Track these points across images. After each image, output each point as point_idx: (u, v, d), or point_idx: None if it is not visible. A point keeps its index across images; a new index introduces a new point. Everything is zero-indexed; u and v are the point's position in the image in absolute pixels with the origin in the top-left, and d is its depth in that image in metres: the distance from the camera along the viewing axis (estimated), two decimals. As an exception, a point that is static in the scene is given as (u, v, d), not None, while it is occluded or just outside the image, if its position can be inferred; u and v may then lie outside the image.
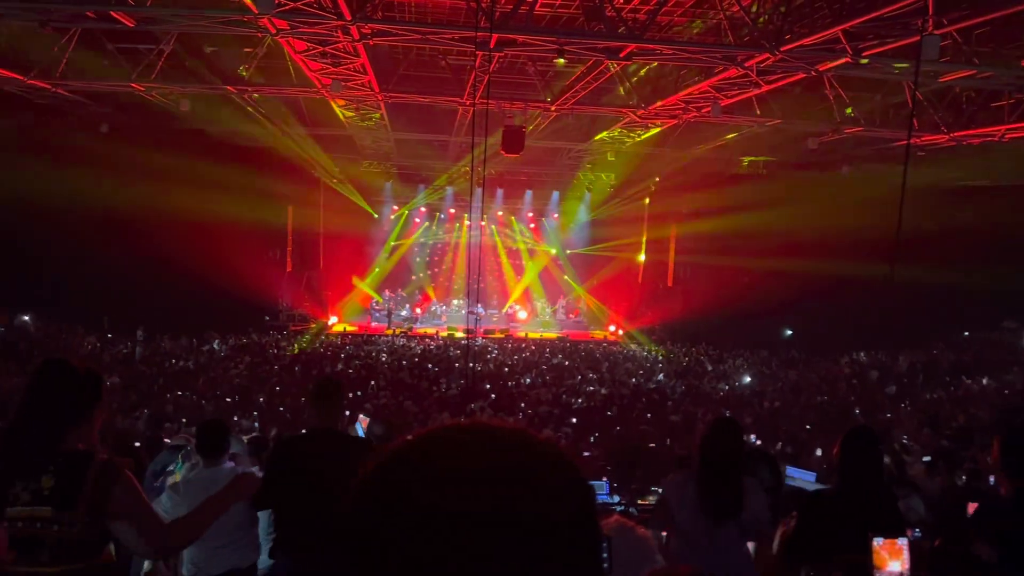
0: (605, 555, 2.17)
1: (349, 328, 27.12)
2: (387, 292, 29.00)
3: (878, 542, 2.52)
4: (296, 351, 21.57)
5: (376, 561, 0.71)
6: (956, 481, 8.14)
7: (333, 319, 27.44)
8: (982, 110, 15.41)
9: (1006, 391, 18.04)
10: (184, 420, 11.09)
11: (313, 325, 26.27)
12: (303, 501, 3.99)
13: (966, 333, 23.97)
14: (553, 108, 16.47)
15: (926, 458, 10.21)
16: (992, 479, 7.50)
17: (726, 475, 3.74)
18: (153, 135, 19.26)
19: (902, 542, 2.51)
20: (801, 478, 7.29)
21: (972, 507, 4.35)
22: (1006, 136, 15.48)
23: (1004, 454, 3.40)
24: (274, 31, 11.76)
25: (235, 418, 11.75)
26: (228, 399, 14.52)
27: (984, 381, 19.08)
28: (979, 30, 10.92)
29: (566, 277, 30.95)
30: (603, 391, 17.36)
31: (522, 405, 14.71)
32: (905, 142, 12.45)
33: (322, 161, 23.94)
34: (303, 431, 5.26)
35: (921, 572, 3.10)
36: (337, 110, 18.32)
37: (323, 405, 4.29)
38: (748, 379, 20.22)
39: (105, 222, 19.52)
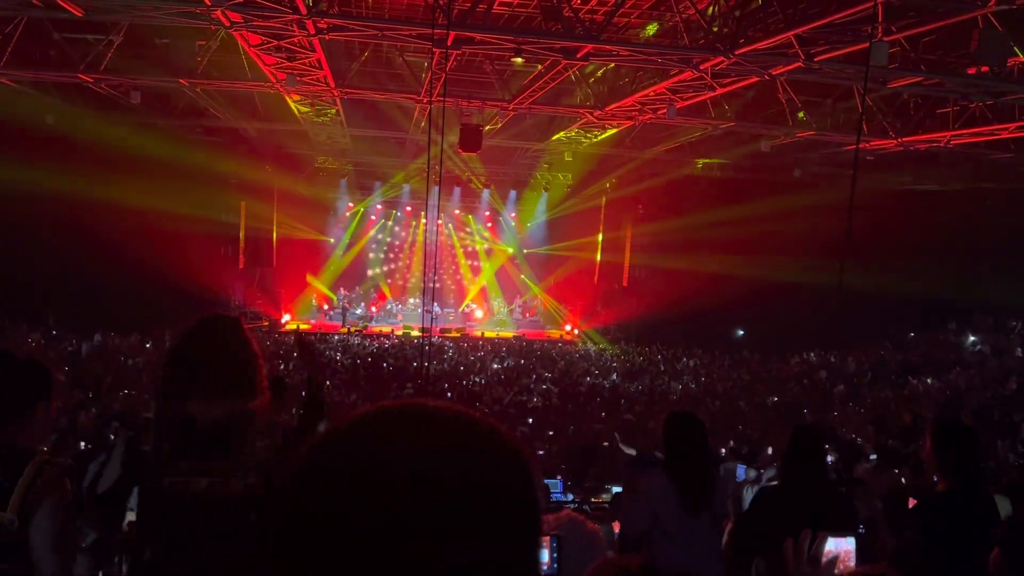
0: (555, 553, 2.17)
1: (303, 326, 26.78)
2: (342, 290, 28.71)
3: (829, 544, 2.56)
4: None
5: (312, 542, 0.69)
6: (901, 478, 8.34)
7: (286, 317, 27.09)
8: (929, 116, 15.82)
9: (948, 391, 18.54)
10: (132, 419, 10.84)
11: (265, 323, 25.90)
12: None
13: (912, 334, 24.57)
14: (511, 107, 16.47)
15: (872, 456, 10.45)
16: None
17: (698, 466, 3.81)
18: (102, 127, 18.78)
19: (849, 542, 2.57)
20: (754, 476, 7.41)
21: (912, 503, 4.46)
22: (951, 142, 15.92)
23: (936, 450, 3.51)
24: (228, 24, 11.55)
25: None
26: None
27: (929, 381, 19.58)
28: (926, 38, 11.21)
29: (523, 276, 31.00)
30: (557, 390, 17.43)
31: (477, 404, 14.70)
32: (854, 146, 12.71)
33: (276, 156, 23.61)
34: None
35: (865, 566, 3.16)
36: (292, 105, 18.08)
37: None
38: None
39: (51, 215, 18.99)
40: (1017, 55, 10.61)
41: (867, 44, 9.81)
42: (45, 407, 2.66)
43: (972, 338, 23.15)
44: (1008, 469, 10.54)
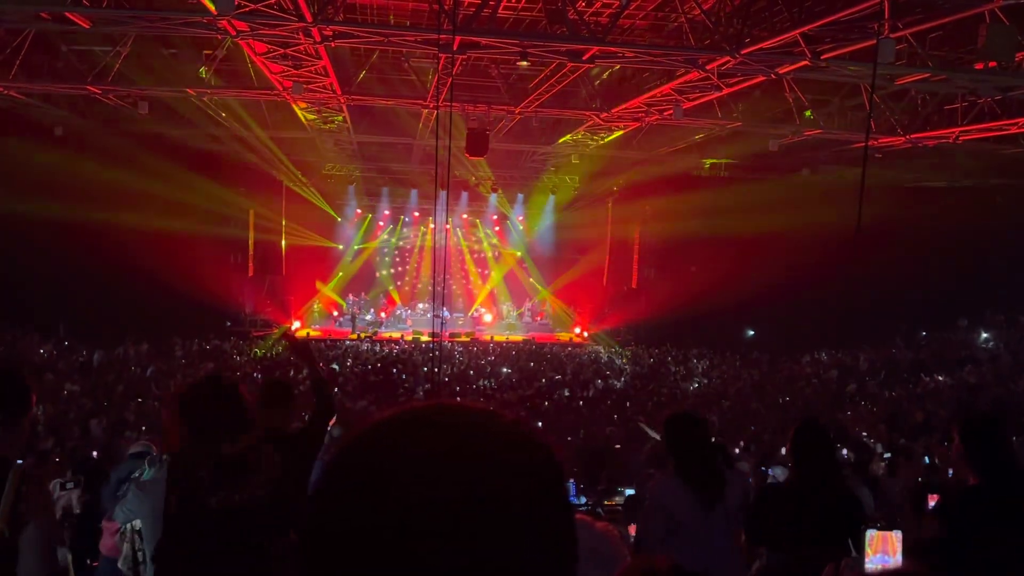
0: None
1: (312, 333, 26.84)
2: (351, 296, 28.77)
3: (871, 534, 2.56)
4: (259, 355, 21.31)
5: (342, 550, 0.68)
6: (916, 476, 8.28)
7: (296, 323, 27.15)
8: (936, 113, 15.76)
9: (960, 388, 18.41)
10: (144, 427, 10.87)
11: (276, 330, 25.96)
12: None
13: (924, 332, 24.44)
14: (517, 111, 16.49)
15: (887, 455, 10.39)
16: (951, 472, 7.65)
17: (706, 462, 3.81)
18: (111, 138, 18.90)
19: (897, 534, 2.56)
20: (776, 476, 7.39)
21: (933, 499, 4.42)
22: (959, 138, 15.84)
23: (965, 444, 3.45)
24: (234, 33, 11.61)
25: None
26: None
27: (941, 378, 19.46)
28: (933, 34, 11.16)
29: (531, 280, 30.98)
30: (567, 393, 17.40)
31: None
32: (863, 144, 12.66)
33: (284, 164, 23.71)
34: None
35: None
36: (299, 113, 18.15)
37: (272, 407, 4.23)
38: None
39: (62, 227, 19.10)
40: (1025, 49, 10.56)
41: (874, 41, 9.77)
42: (28, 420, 2.71)
43: (984, 335, 23.00)
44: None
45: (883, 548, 2.51)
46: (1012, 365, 19.57)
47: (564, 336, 28.86)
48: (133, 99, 16.67)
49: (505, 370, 21.26)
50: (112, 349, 20.15)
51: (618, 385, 19.48)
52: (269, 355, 21.68)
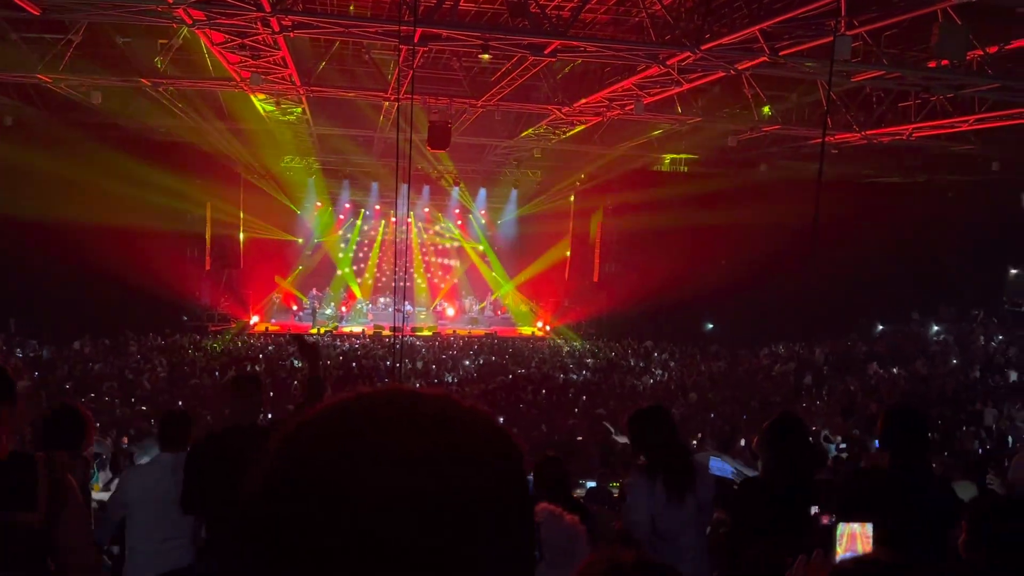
0: (537, 542, 2.15)
1: (271, 327, 26.54)
2: (312, 290, 28.48)
3: (842, 527, 2.60)
4: (217, 351, 20.99)
5: (284, 548, 0.63)
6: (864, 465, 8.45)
7: (255, 318, 26.80)
8: (891, 110, 16.05)
9: (913, 380, 18.85)
10: (98, 425, 10.63)
11: (234, 325, 25.60)
12: (227, 500, 3.84)
13: (879, 326, 24.95)
14: (479, 104, 16.43)
15: (842, 445, 10.61)
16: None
17: (675, 455, 3.82)
18: (62, 129, 18.44)
19: (868, 527, 2.59)
20: (723, 468, 7.46)
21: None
22: (913, 135, 16.17)
23: (885, 429, 3.59)
24: (190, 22, 11.37)
25: (151, 421, 11.34)
26: (144, 406, 13.98)
27: (895, 371, 19.90)
28: (887, 32, 11.34)
29: (494, 274, 30.98)
30: (530, 387, 17.44)
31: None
32: (820, 140, 12.86)
33: (242, 156, 23.36)
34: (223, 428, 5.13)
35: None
36: (257, 104, 17.88)
37: (241, 401, 4.18)
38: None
39: (11, 220, 18.58)
40: (976, 48, 10.79)
41: (831, 38, 9.92)
42: (10, 410, 2.66)
43: (936, 328, 23.57)
44: (972, 455, 10.73)
45: (851, 545, 2.55)
46: (962, 357, 20.09)
47: (526, 330, 28.93)
48: (86, 89, 16.25)
49: (468, 364, 21.25)
50: (63, 345, 19.70)
51: (580, 379, 19.58)
52: (228, 350, 21.38)
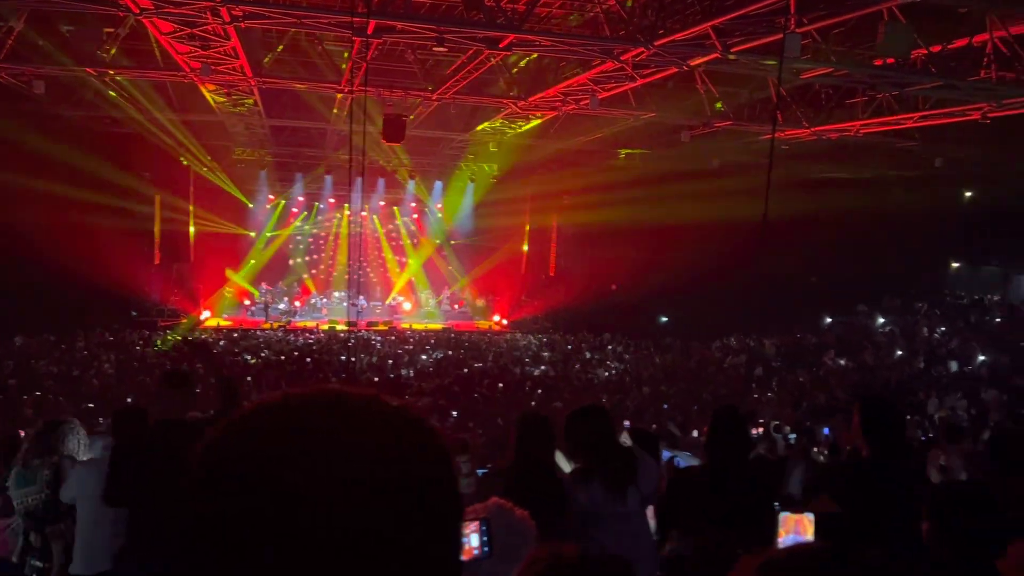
0: (485, 537, 2.16)
1: (223, 323, 26.12)
2: (264, 285, 28.08)
3: (783, 516, 2.66)
4: (167, 347, 20.60)
5: (215, 544, 0.64)
6: (818, 456, 8.65)
7: (205, 313, 26.35)
8: (839, 107, 16.39)
9: (860, 371, 19.30)
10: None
11: (184, 320, 25.14)
12: (152, 495, 3.75)
13: (827, 318, 25.48)
14: (434, 97, 16.36)
15: (792, 436, 10.81)
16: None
17: (611, 452, 3.83)
18: (3, 120, 17.85)
19: (809, 516, 2.65)
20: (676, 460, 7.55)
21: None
22: (860, 131, 16.53)
23: (863, 420, 3.65)
24: (137, 11, 11.10)
25: (100, 419, 11.09)
26: (91, 403, 13.66)
27: (842, 362, 20.34)
28: (835, 30, 11.59)
29: (450, 268, 30.90)
30: (487, 381, 17.45)
31: (407, 397, 14.60)
32: (770, 136, 13.08)
33: (192, 149, 22.91)
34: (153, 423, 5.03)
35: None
36: (207, 95, 17.54)
37: (171, 396, 4.11)
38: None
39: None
40: (920, 47, 11.07)
41: (780, 36, 10.09)
42: None
43: (881, 320, 24.16)
44: (915, 444, 11.04)
45: (795, 529, 2.61)
46: (907, 348, 20.62)
47: (483, 324, 28.93)
48: (28, 78, 15.75)
49: (424, 359, 21.17)
50: (5, 340, 19.13)
51: (537, 372, 19.65)
52: (178, 345, 20.98)
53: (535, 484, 3.85)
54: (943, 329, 21.84)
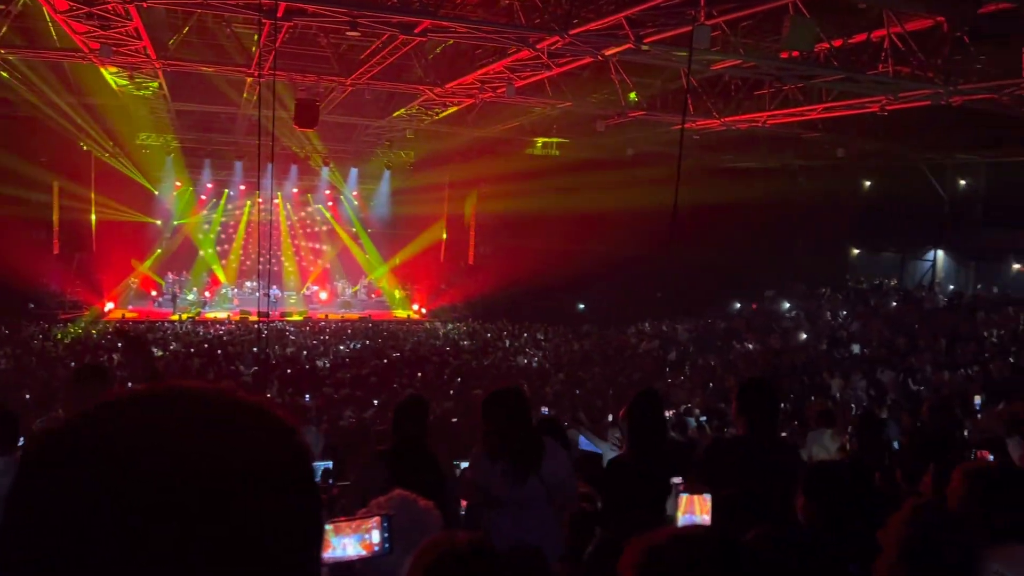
0: (387, 533, 2.15)
1: (128, 314, 25.15)
2: (171, 275, 27.11)
3: (682, 497, 2.74)
4: (68, 339, 19.70)
5: (48, 544, 0.60)
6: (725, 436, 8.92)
7: (110, 305, 25.31)
8: (748, 98, 16.87)
9: (769, 353, 20.01)
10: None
11: (87, 312, 24.07)
12: None
13: (737, 304, 26.30)
14: (348, 82, 16.07)
15: (703, 418, 11.13)
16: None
17: (517, 437, 3.86)
18: None
19: (706, 496, 2.73)
20: (591, 446, 7.68)
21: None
22: (767, 122, 17.06)
23: (736, 404, 3.83)
24: (28, -14, 10.53)
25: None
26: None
27: (750, 346, 21.04)
28: (744, 23, 11.90)
29: (367, 256, 30.51)
30: (406, 370, 17.35)
31: (326, 388, 14.41)
32: (680, 126, 13.38)
33: (93, 133, 21.89)
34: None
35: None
36: (108, 78, 16.77)
37: (83, 393, 3.96)
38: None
39: None
40: (823, 41, 11.48)
41: (691, 27, 10.30)
42: None
43: (787, 304, 25.09)
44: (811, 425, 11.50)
45: (691, 509, 2.69)
46: (811, 331, 21.47)
47: (402, 313, 28.71)
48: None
49: (342, 349, 20.88)
50: None
51: (456, 361, 19.62)
52: (80, 339, 20.10)
53: (412, 465, 3.97)
54: (844, 313, 22.82)
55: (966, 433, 7.75)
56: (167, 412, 0.66)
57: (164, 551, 0.60)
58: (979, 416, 9.78)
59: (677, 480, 3.91)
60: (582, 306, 27.79)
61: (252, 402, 0.70)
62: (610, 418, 10.61)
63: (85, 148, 22.98)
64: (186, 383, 0.70)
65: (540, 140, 23.38)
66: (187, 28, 14.60)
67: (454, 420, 12.15)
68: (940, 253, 24.94)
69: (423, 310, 28.66)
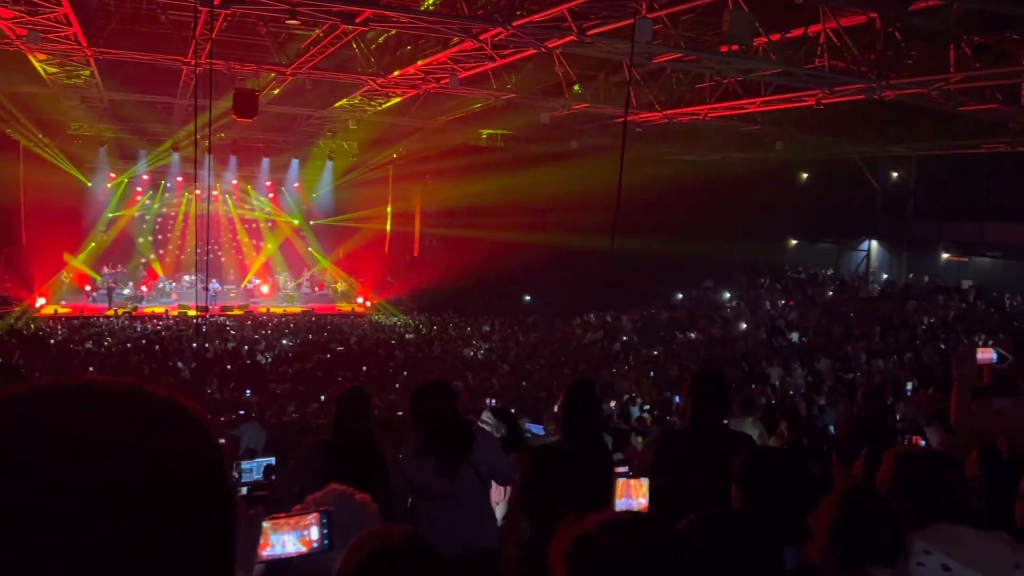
0: (326, 529, 2.13)
1: (61, 310, 24.36)
2: (106, 269, 26.33)
3: (620, 481, 2.75)
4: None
5: None
6: (672, 423, 9.06)
7: (41, 300, 24.47)
8: (689, 91, 17.09)
9: (710, 342, 20.38)
10: None
11: (16, 308, 23.23)
12: None
13: (679, 294, 26.71)
14: (288, 72, 15.78)
15: (646, 407, 11.28)
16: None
17: (446, 430, 3.85)
18: None
19: (644, 481, 2.75)
20: (539, 433, 7.73)
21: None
22: (708, 115, 17.31)
23: (691, 390, 3.88)
24: (-52, -33, 10.07)
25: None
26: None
27: (692, 336, 21.39)
28: (685, 16, 12.04)
29: (310, 249, 30.07)
30: (351, 364, 17.19)
31: (271, 385, 14.21)
32: (623, 119, 13.49)
33: (21, 123, 21.08)
34: None
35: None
36: (37, 65, 16.15)
37: None
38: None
39: None
40: (762, 35, 11.68)
41: (633, 20, 10.38)
42: None
43: (727, 294, 25.56)
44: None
45: (627, 493, 2.70)
46: (751, 321, 21.93)
47: (346, 306, 28.40)
48: None
49: (284, 343, 20.58)
50: None
51: (401, 354, 19.52)
52: (7, 335, 19.40)
53: (354, 458, 3.96)
54: (783, 302, 23.35)
55: (898, 418, 8.01)
56: (66, 407, 0.63)
57: (52, 554, 0.57)
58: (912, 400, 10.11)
59: (622, 470, 3.95)
60: (528, 298, 27.88)
61: (159, 395, 0.68)
62: (555, 408, 10.68)
63: (13, 137, 22.14)
64: (89, 377, 0.67)
65: (485, 131, 23.32)
66: (120, 14, 14.16)
67: (400, 413, 12.08)
68: (874, 243, 25.68)
69: (368, 303, 28.40)
